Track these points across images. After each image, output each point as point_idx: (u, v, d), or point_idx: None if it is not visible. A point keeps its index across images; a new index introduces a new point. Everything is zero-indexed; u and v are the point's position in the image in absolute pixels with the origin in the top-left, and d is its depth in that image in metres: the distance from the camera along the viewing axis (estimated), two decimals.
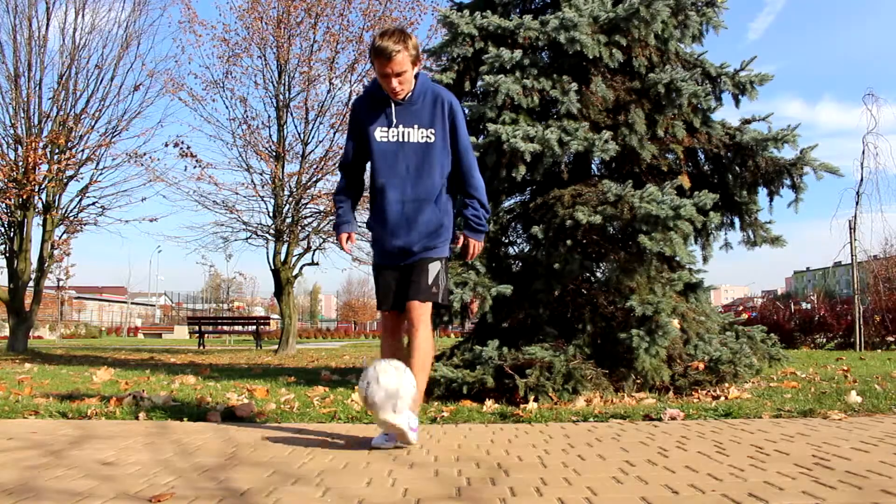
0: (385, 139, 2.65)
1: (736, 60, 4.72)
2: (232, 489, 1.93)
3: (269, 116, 11.94)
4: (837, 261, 13.81)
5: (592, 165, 4.73)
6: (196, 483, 2.00)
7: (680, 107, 4.38)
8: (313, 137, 12.02)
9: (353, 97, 11.77)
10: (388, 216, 2.67)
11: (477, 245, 2.86)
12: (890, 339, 11.23)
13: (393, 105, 2.64)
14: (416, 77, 2.64)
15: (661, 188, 3.97)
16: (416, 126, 2.65)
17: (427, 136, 2.64)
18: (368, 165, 2.80)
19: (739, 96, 4.68)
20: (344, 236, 2.84)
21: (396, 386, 2.38)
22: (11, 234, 11.84)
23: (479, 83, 4.38)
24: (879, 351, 10.06)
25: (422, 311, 2.67)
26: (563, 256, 4.08)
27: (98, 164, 12.41)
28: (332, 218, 11.98)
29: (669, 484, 1.94)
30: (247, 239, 12.34)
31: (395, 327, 2.83)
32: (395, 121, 2.64)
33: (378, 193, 2.69)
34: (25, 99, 11.67)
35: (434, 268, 2.70)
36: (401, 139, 2.65)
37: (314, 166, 11.70)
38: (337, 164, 2.80)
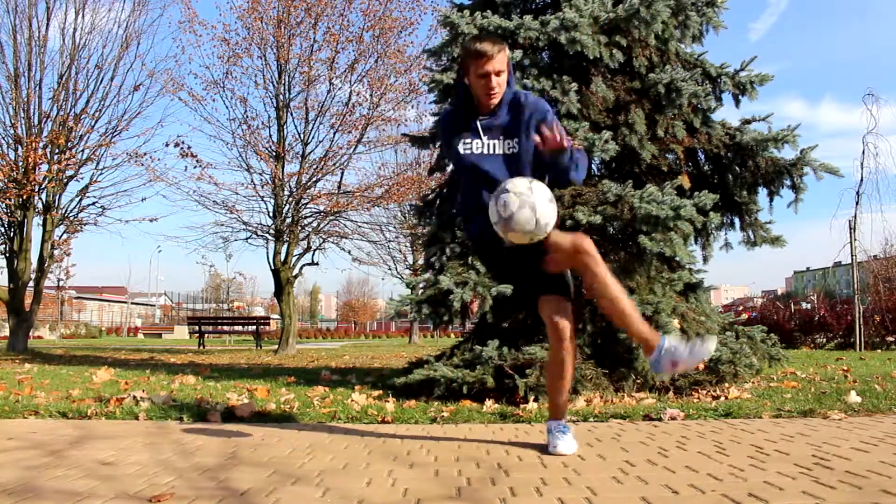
0: (469, 151, 2.59)
1: (738, 61, 4.71)
2: (232, 489, 1.93)
3: (269, 116, 11.93)
4: (837, 261, 13.82)
5: (592, 165, 4.73)
6: (196, 483, 2.00)
7: (680, 107, 4.38)
8: (313, 137, 12.03)
9: (354, 97, 11.78)
10: (484, 221, 2.51)
11: (552, 124, 2.43)
12: (890, 339, 11.24)
13: (479, 117, 2.59)
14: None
15: (661, 188, 3.97)
16: (501, 138, 2.58)
17: (512, 147, 2.56)
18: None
19: (739, 96, 4.68)
20: None
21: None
22: (11, 234, 11.84)
23: None
24: (879, 351, 10.06)
25: (570, 321, 2.48)
26: None
27: (98, 164, 12.42)
28: (331, 218, 12.00)
29: (669, 484, 1.94)
30: (247, 239, 12.34)
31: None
32: (480, 134, 2.59)
33: (469, 204, 2.63)
34: (25, 99, 11.67)
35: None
36: (486, 151, 2.58)
37: (314, 166, 11.69)
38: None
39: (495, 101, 2.54)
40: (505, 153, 2.56)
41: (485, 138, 2.58)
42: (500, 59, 2.47)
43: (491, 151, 2.57)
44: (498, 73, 2.48)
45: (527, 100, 2.58)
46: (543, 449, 2.51)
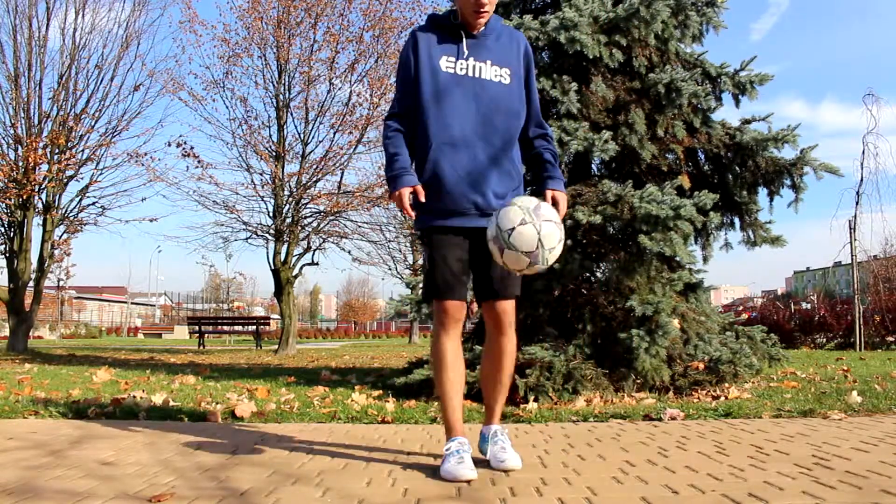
0: (452, 70, 2.21)
1: (739, 61, 4.72)
2: (232, 489, 1.93)
3: (269, 116, 11.94)
4: (837, 261, 13.82)
5: (592, 165, 4.73)
6: (196, 483, 2.00)
7: (680, 107, 4.38)
8: (313, 137, 12.04)
9: (354, 97, 11.78)
10: (455, 163, 2.17)
11: (565, 201, 2.30)
12: (890, 339, 11.23)
13: (464, 35, 2.24)
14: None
15: (661, 188, 3.97)
16: (488, 62, 2.24)
17: (501, 76, 2.24)
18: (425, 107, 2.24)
19: (739, 96, 4.69)
20: (407, 190, 2.15)
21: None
22: (11, 234, 11.85)
23: None
24: (879, 351, 10.06)
25: (512, 311, 2.25)
26: (563, 256, 4.08)
27: (98, 164, 12.45)
28: (331, 218, 11.97)
29: (669, 484, 1.94)
30: (247, 239, 12.34)
31: (459, 323, 2.21)
32: (466, 52, 2.22)
33: (440, 136, 2.18)
34: (25, 99, 11.68)
35: None
36: (472, 73, 2.22)
37: (314, 166, 11.70)
38: (384, 118, 2.35)
39: (483, 20, 2.22)
40: (492, 80, 2.23)
41: (471, 59, 2.23)
42: None
43: (477, 74, 2.22)
44: None
45: (516, 33, 2.37)
46: (544, 449, 2.51)
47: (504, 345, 2.25)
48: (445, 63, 2.22)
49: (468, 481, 2.00)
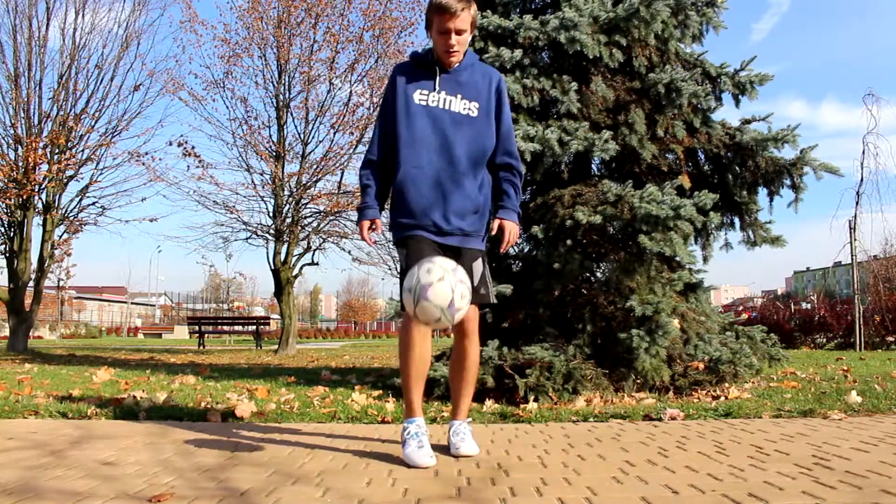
0: (424, 102, 2.46)
1: (739, 61, 4.71)
2: (232, 489, 1.93)
3: (270, 116, 11.94)
4: (837, 261, 13.81)
5: (592, 165, 4.73)
6: (196, 483, 2.00)
7: (680, 107, 4.38)
8: (313, 137, 12.03)
9: (355, 97, 11.78)
10: (420, 186, 2.42)
11: (513, 231, 2.54)
12: (890, 339, 11.23)
13: (438, 71, 2.49)
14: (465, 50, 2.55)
15: (661, 188, 3.98)
16: (459, 96, 2.48)
17: (469, 109, 2.48)
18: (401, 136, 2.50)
19: (739, 96, 4.68)
20: (366, 224, 2.50)
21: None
22: (11, 234, 11.84)
23: None
24: (879, 351, 10.06)
25: (476, 317, 2.48)
26: (563, 256, 4.08)
27: (98, 164, 12.44)
28: (332, 218, 11.98)
29: (669, 484, 1.94)
30: (247, 239, 12.34)
31: (427, 329, 2.39)
32: (438, 87, 2.47)
33: (408, 161, 2.44)
34: (25, 99, 11.68)
35: (479, 265, 2.48)
36: (441, 105, 2.46)
37: (314, 166, 11.69)
38: (366, 150, 2.59)
39: (454, 59, 2.46)
40: (461, 112, 2.47)
41: (442, 93, 2.47)
42: (464, 17, 2.38)
43: (447, 107, 2.46)
44: (459, 32, 2.39)
45: (490, 71, 2.57)
46: (543, 449, 2.51)
47: (468, 348, 2.49)
48: (419, 96, 2.47)
49: (426, 468, 2.20)
